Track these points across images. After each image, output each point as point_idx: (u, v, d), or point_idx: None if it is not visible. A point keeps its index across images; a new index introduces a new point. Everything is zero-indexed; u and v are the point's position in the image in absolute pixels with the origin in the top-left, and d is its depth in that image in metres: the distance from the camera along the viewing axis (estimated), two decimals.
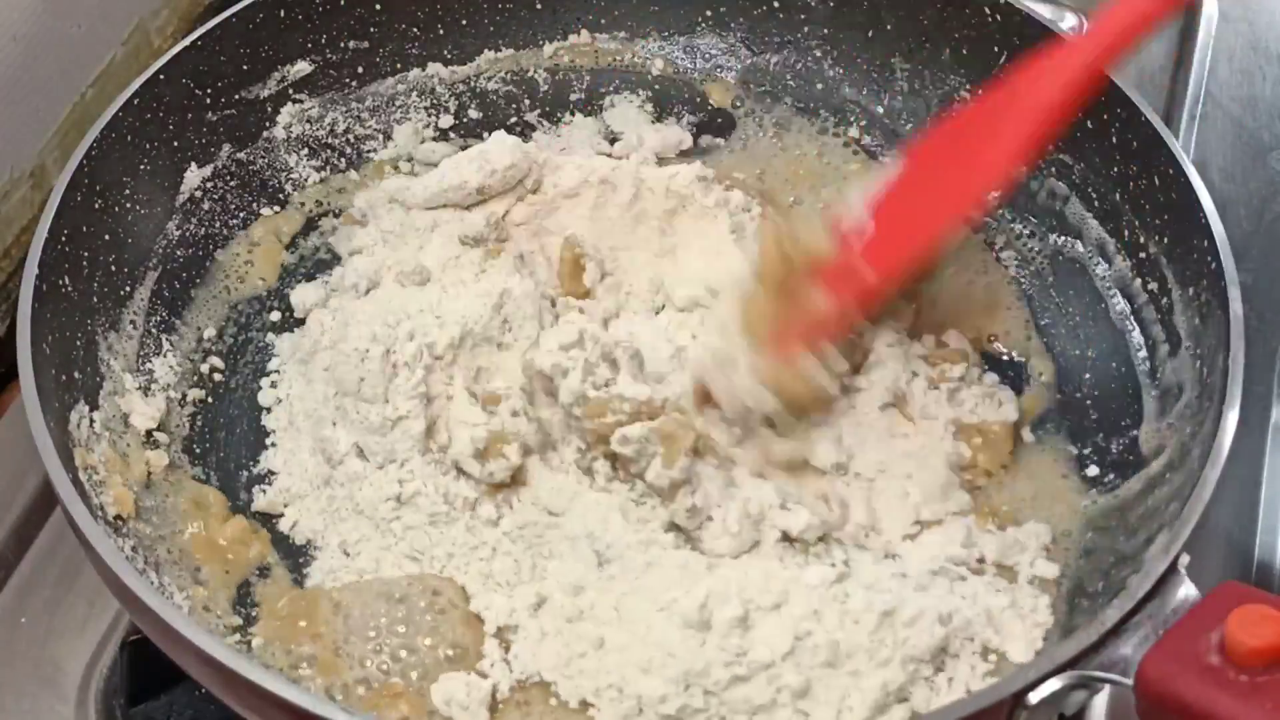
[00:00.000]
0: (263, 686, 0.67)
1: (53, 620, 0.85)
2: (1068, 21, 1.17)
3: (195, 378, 0.94)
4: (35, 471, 0.91)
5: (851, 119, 1.08)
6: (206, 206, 1.00)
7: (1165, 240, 0.89)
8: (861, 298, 0.89)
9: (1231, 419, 0.76)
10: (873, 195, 0.91)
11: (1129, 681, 0.66)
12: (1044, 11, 0.98)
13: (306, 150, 1.06)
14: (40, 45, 1.03)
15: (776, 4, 1.08)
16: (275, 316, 0.98)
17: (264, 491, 0.89)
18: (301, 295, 0.98)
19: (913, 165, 0.91)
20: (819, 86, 1.09)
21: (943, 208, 0.88)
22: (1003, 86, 0.86)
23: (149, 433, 0.89)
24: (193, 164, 0.99)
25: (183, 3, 1.19)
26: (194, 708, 0.83)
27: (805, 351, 0.88)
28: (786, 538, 0.84)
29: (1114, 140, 0.92)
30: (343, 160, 1.07)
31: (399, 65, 1.08)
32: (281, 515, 0.88)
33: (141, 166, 0.95)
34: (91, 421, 0.85)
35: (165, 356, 0.94)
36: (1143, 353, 0.91)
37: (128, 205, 0.94)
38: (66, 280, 0.86)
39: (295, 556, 0.86)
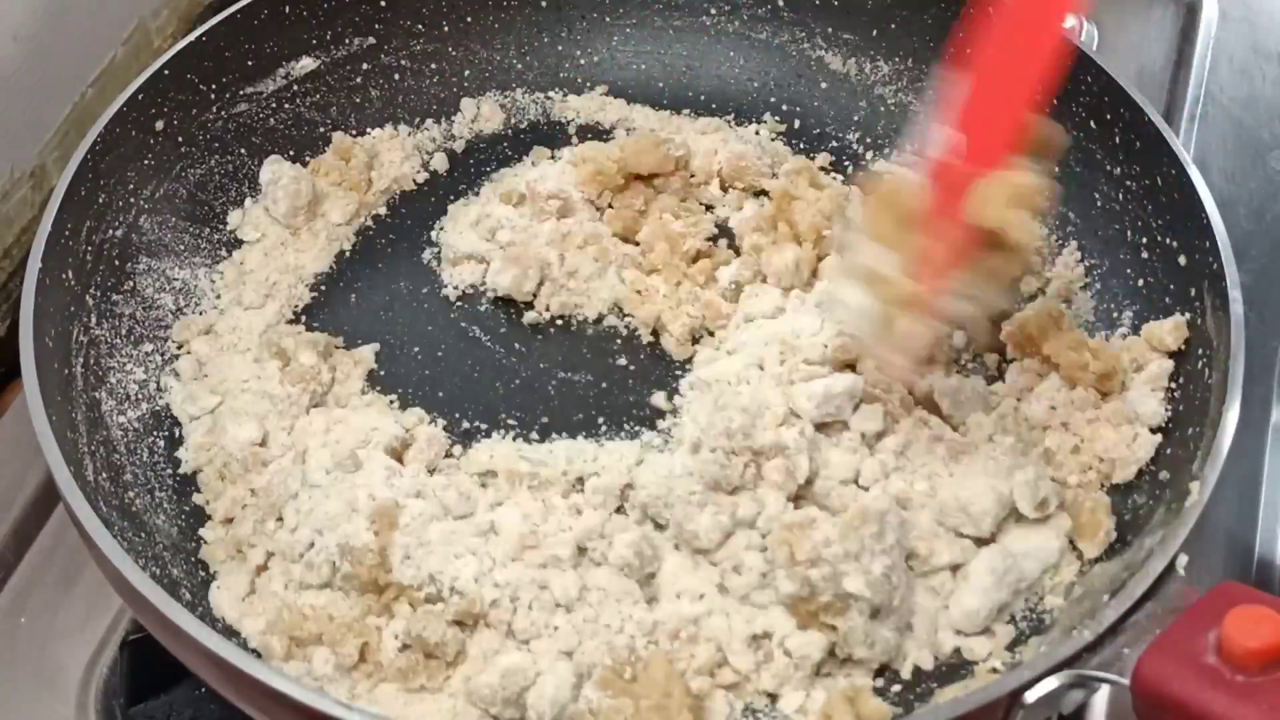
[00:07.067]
0: (266, 682, 0.67)
1: (53, 620, 0.85)
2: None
3: None
4: (35, 471, 0.91)
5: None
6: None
7: (1170, 241, 0.89)
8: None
9: (1231, 419, 0.76)
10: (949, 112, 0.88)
11: (1125, 681, 0.66)
12: None
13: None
14: (40, 45, 1.03)
15: None
16: None
17: None
18: None
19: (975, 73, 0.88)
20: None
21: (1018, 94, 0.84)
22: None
23: None
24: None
25: (183, 3, 1.19)
26: (194, 707, 0.83)
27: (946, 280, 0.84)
28: None
29: (1117, 141, 0.92)
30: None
31: (405, 62, 1.08)
32: None
33: (145, 161, 0.95)
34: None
35: None
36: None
37: (131, 199, 0.94)
38: (69, 274, 0.87)
39: None
